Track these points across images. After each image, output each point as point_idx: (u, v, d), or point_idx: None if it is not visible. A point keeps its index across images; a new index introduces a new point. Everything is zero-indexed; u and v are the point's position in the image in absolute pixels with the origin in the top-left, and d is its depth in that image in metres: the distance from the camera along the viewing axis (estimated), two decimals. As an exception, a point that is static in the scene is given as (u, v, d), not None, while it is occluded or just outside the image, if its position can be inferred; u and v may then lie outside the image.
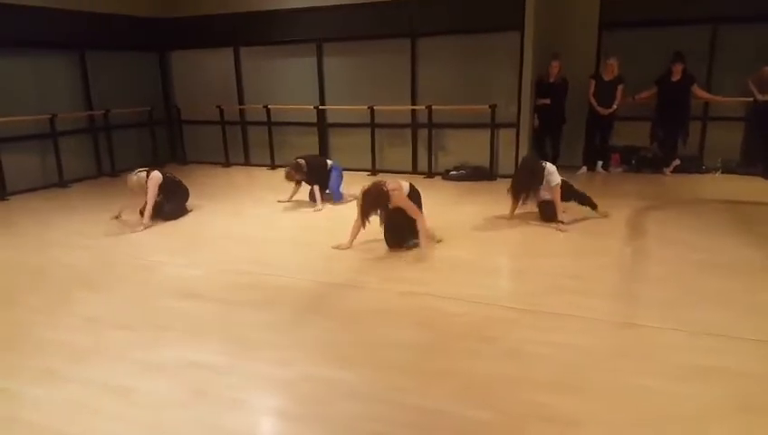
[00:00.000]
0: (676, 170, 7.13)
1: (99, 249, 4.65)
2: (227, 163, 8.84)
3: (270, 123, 8.46)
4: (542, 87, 7.27)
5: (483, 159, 7.36)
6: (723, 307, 3.19)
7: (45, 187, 7.21)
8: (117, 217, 5.43)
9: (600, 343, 2.83)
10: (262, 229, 5.19)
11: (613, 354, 2.71)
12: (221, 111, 8.67)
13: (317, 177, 5.92)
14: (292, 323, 3.17)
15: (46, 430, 2.24)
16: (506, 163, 7.18)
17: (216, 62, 8.73)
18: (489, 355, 2.74)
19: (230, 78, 8.65)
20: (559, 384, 2.46)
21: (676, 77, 6.90)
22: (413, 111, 7.69)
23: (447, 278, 3.79)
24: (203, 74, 8.90)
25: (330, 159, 6.36)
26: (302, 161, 5.86)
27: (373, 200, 4.16)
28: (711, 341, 2.81)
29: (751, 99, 6.83)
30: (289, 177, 5.84)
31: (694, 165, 7.18)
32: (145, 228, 5.09)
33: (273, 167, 8.36)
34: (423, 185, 7.10)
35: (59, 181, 7.32)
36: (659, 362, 2.62)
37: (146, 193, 5.16)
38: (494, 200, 5.72)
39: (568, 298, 3.35)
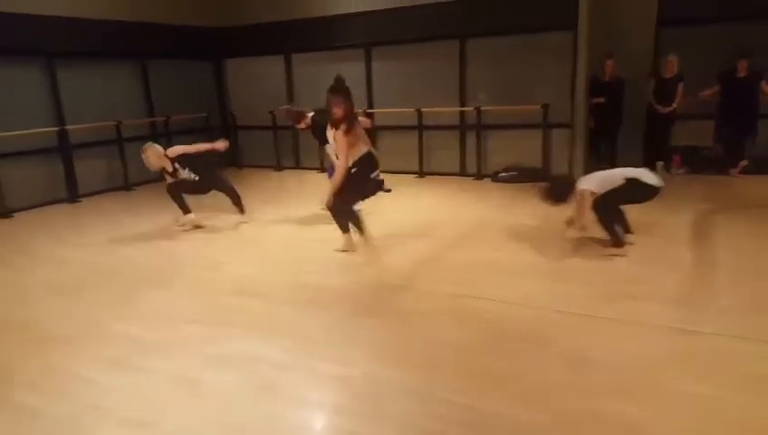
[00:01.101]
0: (744, 172, 6.74)
1: (163, 248, 4.91)
2: (279, 167, 9.09)
3: (320, 127, 8.65)
4: (596, 86, 7.06)
5: (534, 161, 7.23)
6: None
7: (112, 189, 7.68)
8: (182, 226, 5.44)
9: (659, 349, 2.72)
10: (311, 231, 5.29)
11: (673, 362, 2.61)
12: (273, 117, 8.95)
13: (320, 137, 5.21)
14: (347, 322, 3.24)
15: (125, 418, 2.37)
16: (560, 164, 7.03)
17: (269, 69, 9.01)
18: (544, 359, 2.69)
19: (282, 84, 8.92)
20: (616, 391, 2.39)
21: (741, 73, 6.55)
22: (461, 112, 7.66)
23: (499, 281, 3.74)
24: (256, 81, 9.21)
25: None
26: (310, 113, 5.45)
27: (349, 100, 4.23)
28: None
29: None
30: (289, 115, 5.85)
31: (763, 166, 6.77)
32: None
33: (322, 170, 8.53)
34: (472, 187, 7.18)
35: (124, 184, 7.77)
36: (721, 371, 2.51)
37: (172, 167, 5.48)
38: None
39: (627, 303, 3.25)
